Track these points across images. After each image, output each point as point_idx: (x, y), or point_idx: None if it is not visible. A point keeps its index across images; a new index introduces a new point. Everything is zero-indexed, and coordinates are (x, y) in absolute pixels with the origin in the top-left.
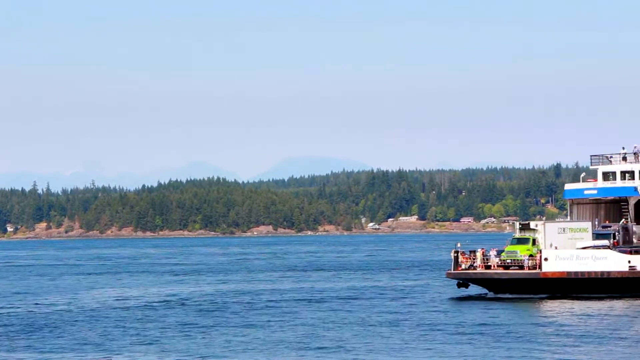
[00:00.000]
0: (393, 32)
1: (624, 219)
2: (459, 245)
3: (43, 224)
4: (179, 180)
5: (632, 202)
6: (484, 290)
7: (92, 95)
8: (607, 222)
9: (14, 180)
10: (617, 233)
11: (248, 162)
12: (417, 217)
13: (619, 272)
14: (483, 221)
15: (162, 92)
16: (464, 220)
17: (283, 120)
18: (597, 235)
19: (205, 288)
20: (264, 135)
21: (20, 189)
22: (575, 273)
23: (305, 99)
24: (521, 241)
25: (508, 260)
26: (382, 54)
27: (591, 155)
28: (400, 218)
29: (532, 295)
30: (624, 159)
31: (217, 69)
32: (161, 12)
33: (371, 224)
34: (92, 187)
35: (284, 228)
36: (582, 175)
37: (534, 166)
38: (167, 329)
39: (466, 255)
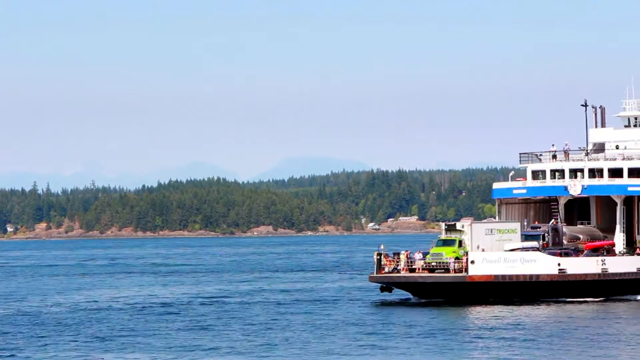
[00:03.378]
0: (393, 32)
1: (554, 220)
2: (382, 247)
3: (43, 224)
4: (179, 180)
5: (562, 201)
6: (409, 295)
7: (92, 95)
8: (536, 222)
9: (14, 180)
10: (546, 234)
11: (248, 162)
12: (417, 217)
13: (548, 276)
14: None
15: (162, 92)
16: (464, 220)
17: (283, 120)
18: (525, 237)
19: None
20: (264, 135)
21: (20, 189)
22: (503, 276)
23: (305, 99)
24: (447, 243)
25: (433, 263)
26: (382, 54)
27: (520, 153)
28: (400, 218)
29: (458, 300)
30: (554, 157)
31: (217, 68)
32: (161, 12)
33: (371, 224)
34: (92, 187)
35: (284, 228)
36: (511, 174)
37: None
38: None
39: (389, 258)
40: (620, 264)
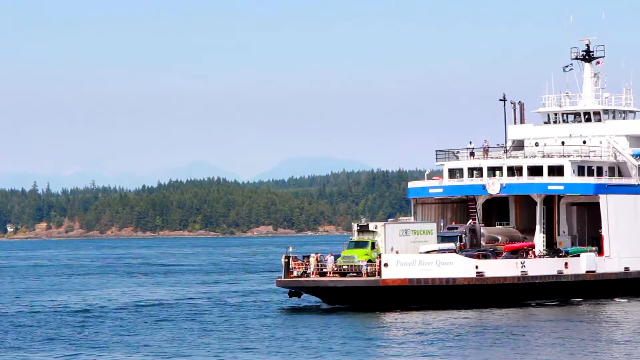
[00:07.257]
0: (393, 32)
1: (471, 220)
2: (290, 249)
3: (43, 224)
4: (179, 180)
5: (480, 201)
6: (319, 300)
7: (91, 95)
8: (453, 223)
9: (14, 180)
10: (464, 235)
11: (248, 162)
12: None
13: (465, 279)
14: None
15: (162, 92)
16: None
17: (283, 120)
18: (442, 238)
19: None
20: (264, 135)
21: (20, 189)
22: (418, 280)
23: (305, 99)
24: (359, 245)
25: (344, 267)
26: (382, 54)
27: (436, 151)
28: (401, 218)
29: (371, 305)
30: (472, 154)
31: (217, 68)
32: (161, 12)
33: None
34: (92, 187)
35: (284, 228)
36: (427, 172)
37: None
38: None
39: (298, 261)
40: (541, 267)
